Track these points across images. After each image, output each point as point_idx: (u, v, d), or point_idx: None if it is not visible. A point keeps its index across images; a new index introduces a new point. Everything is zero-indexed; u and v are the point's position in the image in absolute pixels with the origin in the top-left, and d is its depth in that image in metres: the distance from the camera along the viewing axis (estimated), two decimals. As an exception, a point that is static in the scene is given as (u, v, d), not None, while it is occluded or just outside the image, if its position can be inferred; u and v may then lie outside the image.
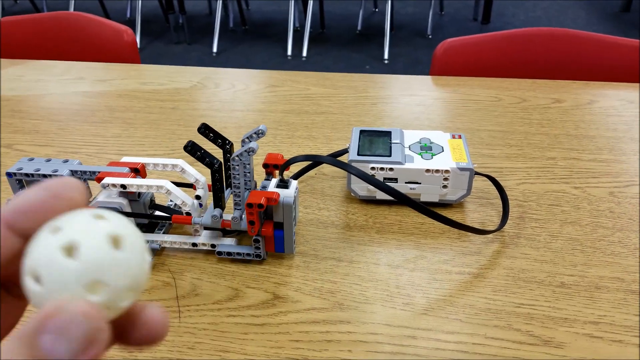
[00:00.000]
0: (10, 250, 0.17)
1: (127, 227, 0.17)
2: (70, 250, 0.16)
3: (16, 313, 0.19)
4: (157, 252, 0.44)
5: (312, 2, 2.69)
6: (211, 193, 0.42)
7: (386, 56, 2.65)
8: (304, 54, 2.71)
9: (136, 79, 0.83)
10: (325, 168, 0.56)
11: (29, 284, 0.16)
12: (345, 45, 2.88)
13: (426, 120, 0.68)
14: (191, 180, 0.44)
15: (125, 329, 0.18)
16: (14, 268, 0.17)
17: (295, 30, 2.90)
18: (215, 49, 2.81)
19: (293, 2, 2.72)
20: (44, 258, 0.16)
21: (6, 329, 0.18)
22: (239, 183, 0.41)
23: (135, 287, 0.17)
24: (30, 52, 1.04)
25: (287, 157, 0.44)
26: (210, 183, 0.42)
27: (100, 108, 0.73)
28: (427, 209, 0.40)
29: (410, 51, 2.79)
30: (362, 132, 0.53)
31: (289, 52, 2.74)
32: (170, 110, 0.72)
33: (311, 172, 0.55)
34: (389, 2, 2.64)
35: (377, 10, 3.40)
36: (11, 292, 0.19)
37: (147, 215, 0.43)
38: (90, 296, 0.16)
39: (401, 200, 0.40)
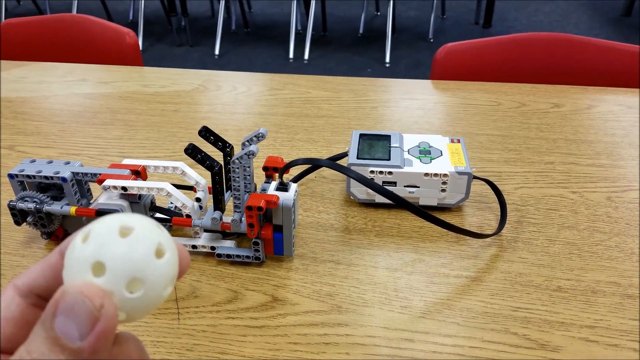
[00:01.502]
0: (55, 277, 0.19)
1: (141, 223, 0.18)
2: (86, 237, 0.17)
3: None
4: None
5: (314, 4, 2.69)
6: (211, 195, 0.43)
7: (388, 59, 2.65)
8: (306, 56, 2.71)
9: (138, 81, 0.83)
10: (325, 171, 0.56)
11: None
12: (347, 48, 2.89)
13: (426, 124, 0.69)
14: (191, 183, 0.44)
15: None
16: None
17: (297, 33, 2.91)
18: (217, 51, 2.81)
19: (295, 4, 2.73)
20: (77, 273, 0.17)
21: None
22: (239, 186, 0.41)
23: (141, 278, 0.17)
24: (33, 54, 1.04)
25: (287, 160, 0.44)
26: (211, 186, 0.43)
27: (102, 110, 0.73)
28: (426, 212, 0.40)
29: (412, 54, 2.79)
30: (361, 135, 0.53)
31: (291, 55, 2.75)
32: (172, 112, 0.72)
33: (311, 175, 0.56)
34: (391, 5, 2.65)
35: (379, 13, 3.40)
36: None
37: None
38: (93, 278, 0.17)
39: (400, 204, 0.40)
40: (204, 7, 3.56)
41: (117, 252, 0.17)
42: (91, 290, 0.16)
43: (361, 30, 3.11)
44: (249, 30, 3.21)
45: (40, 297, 0.19)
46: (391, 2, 2.65)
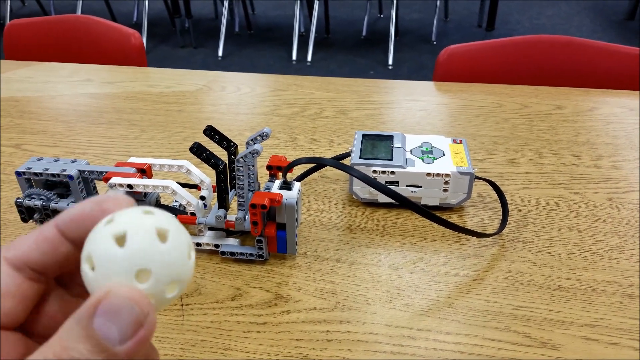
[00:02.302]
0: (64, 255, 0.19)
1: (172, 224, 0.18)
2: (120, 239, 0.17)
3: (73, 308, 0.20)
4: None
5: (317, 6, 2.70)
6: (215, 194, 0.43)
7: (391, 61, 2.66)
8: (309, 58, 2.72)
9: (143, 81, 0.84)
10: (328, 171, 0.57)
11: (85, 270, 0.17)
12: (350, 51, 2.90)
13: (428, 125, 0.69)
14: (196, 181, 0.45)
15: None
16: (69, 269, 0.19)
17: (300, 35, 2.92)
18: (220, 53, 2.83)
19: (298, 6, 2.74)
20: (97, 246, 0.17)
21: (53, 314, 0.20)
22: (243, 184, 0.41)
23: (178, 279, 0.18)
24: (38, 55, 1.05)
25: (290, 159, 0.45)
26: (215, 184, 0.43)
27: (107, 110, 0.74)
28: (429, 212, 0.40)
29: (415, 57, 2.80)
30: (364, 135, 0.53)
31: (294, 57, 2.76)
32: (176, 112, 0.73)
33: (314, 175, 0.56)
34: (394, 7, 2.66)
35: (382, 15, 3.41)
36: (70, 290, 0.21)
37: (153, 214, 0.44)
38: (138, 284, 0.17)
39: (403, 203, 0.40)
40: (208, 9, 3.57)
41: (163, 260, 0.17)
42: (139, 298, 0.16)
43: (364, 33, 3.12)
44: (252, 32, 3.23)
45: (34, 271, 0.19)
46: (394, 4, 2.66)
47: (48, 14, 3.33)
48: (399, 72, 2.62)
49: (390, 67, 2.65)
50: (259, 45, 3.03)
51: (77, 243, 0.19)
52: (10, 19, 3.17)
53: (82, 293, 0.21)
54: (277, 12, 3.56)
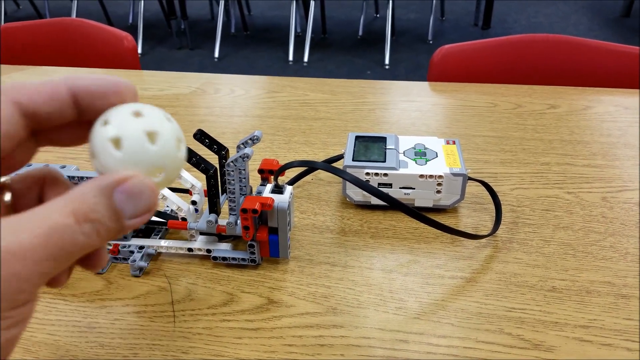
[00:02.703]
0: (60, 114, 0.21)
1: (160, 122, 0.21)
2: (116, 142, 0.20)
3: (30, 154, 0.22)
4: (153, 257, 0.44)
5: (313, 7, 2.70)
6: (207, 198, 0.43)
7: (387, 61, 2.66)
8: (306, 59, 2.72)
9: (137, 84, 0.84)
10: (321, 174, 0.57)
11: (94, 164, 0.20)
12: (346, 51, 2.90)
13: (423, 125, 0.69)
14: (187, 186, 0.44)
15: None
16: (55, 121, 0.21)
17: (296, 36, 2.91)
18: (217, 54, 2.82)
19: (295, 7, 2.74)
20: (99, 147, 0.20)
21: (20, 164, 0.22)
22: (234, 189, 0.41)
23: (175, 170, 0.21)
24: (32, 58, 1.05)
25: (283, 162, 0.45)
26: (206, 189, 0.43)
27: (100, 114, 0.73)
28: (420, 214, 0.40)
29: (412, 56, 2.80)
30: (357, 137, 0.53)
31: (291, 57, 2.76)
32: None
33: (307, 178, 0.56)
34: (390, 7, 2.66)
35: (378, 15, 3.41)
36: (38, 139, 0.22)
37: (144, 220, 0.43)
38: (154, 178, 0.20)
39: (394, 205, 0.40)
40: (204, 10, 3.57)
41: (175, 162, 0.21)
42: (156, 190, 0.20)
43: (360, 33, 3.12)
44: (248, 33, 3.22)
45: (34, 121, 0.20)
46: (390, 4, 2.65)
47: (43, 17, 3.32)
48: (396, 71, 2.62)
49: (387, 67, 2.65)
50: (255, 46, 3.03)
51: (81, 109, 0.21)
52: (5, 22, 3.17)
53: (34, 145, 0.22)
54: (273, 13, 3.56)
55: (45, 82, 0.21)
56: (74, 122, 0.21)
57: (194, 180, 0.44)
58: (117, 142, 0.19)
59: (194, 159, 0.39)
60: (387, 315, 0.39)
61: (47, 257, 0.17)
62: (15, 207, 0.22)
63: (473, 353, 0.36)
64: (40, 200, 0.23)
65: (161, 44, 3.09)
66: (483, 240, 0.46)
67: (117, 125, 0.20)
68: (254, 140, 0.42)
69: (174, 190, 0.44)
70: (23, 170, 0.22)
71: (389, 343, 0.36)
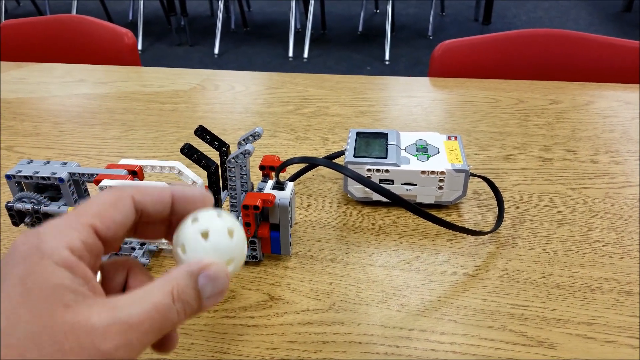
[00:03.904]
0: (162, 211, 0.25)
1: (236, 223, 0.25)
2: (205, 234, 0.24)
3: (120, 243, 0.26)
4: (155, 253, 0.44)
5: (313, 3, 2.69)
6: (208, 195, 0.43)
7: (387, 57, 2.65)
8: (305, 55, 2.71)
9: (136, 81, 0.83)
10: (323, 170, 0.56)
11: (179, 253, 0.24)
12: (346, 46, 2.89)
13: (424, 121, 0.69)
14: (188, 183, 0.44)
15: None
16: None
17: (296, 32, 2.90)
18: (217, 51, 2.82)
19: (294, 3, 2.73)
20: (188, 238, 0.24)
21: (112, 249, 0.25)
22: (236, 185, 0.41)
23: (241, 258, 0.26)
24: (31, 55, 1.04)
25: (284, 158, 0.44)
26: (207, 185, 0.42)
27: (100, 110, 0.73)
28: (422, 210, 0.40)
29: (412, 52, 2.79)
30: (358, 133, 0.53)
31: (291, 53, 2.75)
32: (170, 112, 0.72)
33: (309, 174, 0.56)
34: (390, 2, 2.65)
35: (378, 11, 3.40)
36: (131, 231, 0.26)
37: (145, 217, 0.43)
38: (228, 267, 0.24)
39: (396, 202, 0.40)
40: (203, 7, 3.55)
41: (237, 251, 0.25)
42: (229, 276, 0.24)
43: (360, 28, 3.11)
44: (248, 30, 3.21)
45: (141, 216, 0.25)
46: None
47: (43, 14, 3.31)
48: (396, 67, 2.61)
49: (387, 63, 2.64)
50: (255, 43, 3.02)
51: (174, 211, 0.25)
52: (5, 19, 3.15)
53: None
54: (273, 9, 3.54)
55: (155, 186, 0.25)
56: (164, 220, 0.26)
57: (195, 176, 0.44)
58: (205, 235, 0.24)
59: (195, 156, 0.39)
60: (390, 312, 0.39)
61: (152, 329, 0.21)
62: (104, 287, 0.24)
63: (476, 350, 0.35)
64: (125, 284, 0.26)
65: (161, 41, 3.08)
66: (485, 236, 0.46)
67: (205, 222, 0.24)
68: (255, 136, 0.41)
69: (174, 187, 0.44)
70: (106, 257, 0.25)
71: (392, 340, 0.36)
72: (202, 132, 0.41)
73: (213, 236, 0.24)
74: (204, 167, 0.40)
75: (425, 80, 0.82)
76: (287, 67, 2.64)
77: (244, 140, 0.42)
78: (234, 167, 0.40)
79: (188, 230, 0.24)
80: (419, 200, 0.49)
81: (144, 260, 0.42)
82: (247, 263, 0.43)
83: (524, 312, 0.38)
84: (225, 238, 0.24)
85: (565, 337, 0.36)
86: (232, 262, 0.25)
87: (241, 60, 2.78)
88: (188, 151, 0.39)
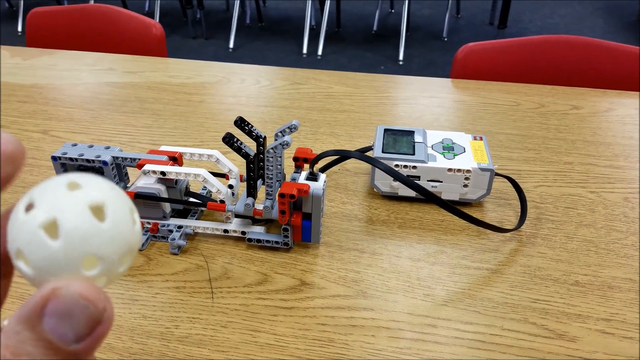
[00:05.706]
0: None
1: (105, 193, 0.15)
2: (51, 228, 0.14)
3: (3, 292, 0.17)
4: (191, 236, 0.46)
5: (328, 1, 2.70)
6: (242, 183, 0.45)
7: (401, 57, 2.66)
8: (319, 52, 2.72)
9: (164, 72, 0.85)
10: (348, 164, 0.58)
11: (21, 267, 0.15)
12: (360, 45, 2.90)
13: (446, 121, 0.70)
14: (225, 170, 0.46)
15: None
16: None
17: (311, 29, 2.92)
18: (231, 45, 2.83)
19: (310, 0, 2.74)
20: (26, 240, 0.15)
21: None
22: (272, 174, 0.43)
23: (129, 251, 0.16)
24: (60, 43, 1.07)
25: (314, 152, 0.46)
26: (242, 173, 0.44)
27: (130, 99, 0.75)
28: (453, 206, 0.42)
29: (425, 53, 2.80)
30: (386, 130, 0.55)
31: (305, 50, 2.76)
32: (198, 103, 0.74)
33: (334, 168, 0.57)
34: (406, 3, 2.65)
35: (393, 11, 3.41)
36: None
37: (183, 201, 0.45)
38: (86, 272, 0.15)
39: (427, 197, 0.42)
40: (219, 1, 3.57)
41: (107, 240, 0.15)
42: (93, 295, 0.14)
43: (375, 28, 3.11)
44: (263, 25, 3.23)
45: None
46: (406, 0, 2.65)
47: (61, 3, 3.34)
48: (410, 67, 2.62)
49: (400, 63, 2.65)
50: (269, 38, 3.03)
51: None
52: (24, 6, 3.18)
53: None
54: (288, 5, 3.56)
55: None
56: None
57: (232, 165, 0.46)
58: (52, 228, 0.14)
59: (235, 144, 0.41)
60: (416, 301, 0.40)
61: None
62: None
63: (499, 340, 0.37)
64: None
65: (176, 33, 3.10)
66: (507, 234, 0.47)
67: (48, 206, 0.14)
68: (291, 129, 0.43)
69: (213, 174, 0.46)
70: None
71: (418, 327, 0.38)
72: (241, 123, 0.43)
73: (66, 226, 0.14)
74: (244, 156, 0.42)
75: (446, 81, 0.83)
76: (300, 64, 2.66)
77: (280, 132, 0.44)
78: (271, 158, 0.42)
79: (22, 226, 0.15)
80: (444, 197, 0.51)
81: (181, 242, 0.44)
82: (277, 249, 0.45)
83: (545, 306, 0.40)
84: (90, 224, 0.15)
85: (585, 332, 0.38)
86: (106, 262, 0.15)
87: (255, 55, 2.80)
88: (229, 140, 0.41)
